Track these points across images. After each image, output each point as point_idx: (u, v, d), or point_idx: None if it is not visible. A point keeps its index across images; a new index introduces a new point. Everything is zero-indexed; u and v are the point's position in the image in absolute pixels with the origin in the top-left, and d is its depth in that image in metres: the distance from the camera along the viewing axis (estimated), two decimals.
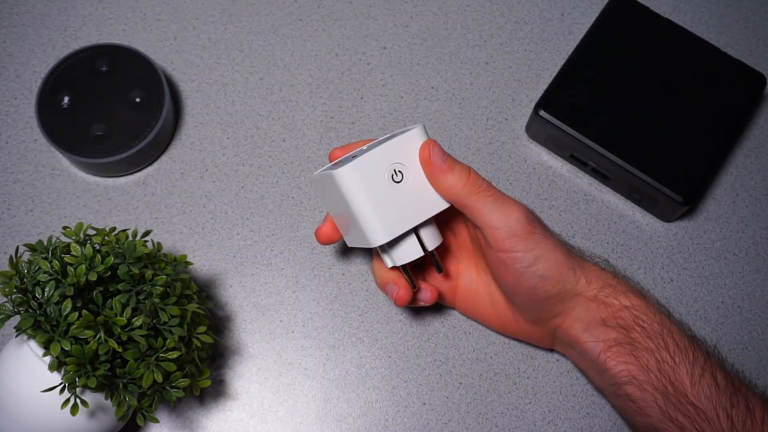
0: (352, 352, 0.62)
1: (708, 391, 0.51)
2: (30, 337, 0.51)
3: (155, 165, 0.66)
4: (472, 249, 0.59)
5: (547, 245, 0.53)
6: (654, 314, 0.53)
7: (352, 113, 0.68)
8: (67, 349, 0.48)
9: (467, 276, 0.59)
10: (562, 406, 0.61)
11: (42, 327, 0.49)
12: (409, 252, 0.53)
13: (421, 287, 0.56)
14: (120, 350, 0.49)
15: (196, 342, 0.53)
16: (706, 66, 0.65)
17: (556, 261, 0.53)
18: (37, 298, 0.50)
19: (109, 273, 0.51)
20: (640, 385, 0.52)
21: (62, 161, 0.66)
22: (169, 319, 0.51)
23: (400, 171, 0.52)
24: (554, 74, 0.67)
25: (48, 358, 0.50)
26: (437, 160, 0.52)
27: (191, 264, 0.56)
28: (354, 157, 0.52)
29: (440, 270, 0.56)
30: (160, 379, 0.50)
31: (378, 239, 0.52)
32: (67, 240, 0.57)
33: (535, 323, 0.57)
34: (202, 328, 0.54)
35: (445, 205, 0.53)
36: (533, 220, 0.53)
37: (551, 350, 0.61)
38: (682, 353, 0.52)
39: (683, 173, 0.62)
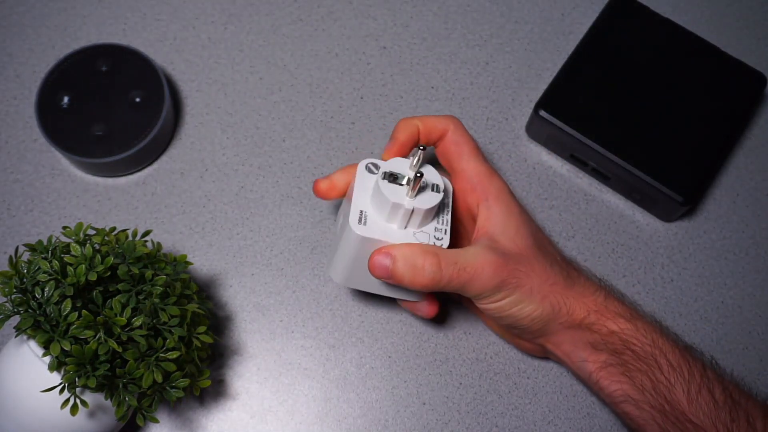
0: (352, 352, 0.62)
1: (706, 407, 0.50)
2: (30, 337, 0.51)
3: (155, 165, 0.66)
4: None
5: (522, 291, 0.51)
6: (645, 336, 0.52)
7: (352, 113, 0.68)
8: (66, 349, 0.48)
9: None
10: (562, 406, 0.61)
11: (42, 327, 0.49)
12: None
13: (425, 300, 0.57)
14: (120, 350, 0.49)
15: (196, 342, 0.53)
16: (706, 66, 0.65)
17: (532, 302, 0.52)
18: (37, 298, 0.50)
19: (109, 273, 0.51)
20: (636, 404, 0.52)
21: (62, 161, 0.66)
22: (169, 319, 0.51)
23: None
24: (554, 74, 0.67)
25: (48, 358, 0.50)
26: (384, 274, 0.50)
27: (191, 264, 0.56)
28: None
29: None
30: (160, 379, 0.50)
31: None
32: (67, 240, 0.57)
33: (523, 339, 0.57)
34: (202, 328, 0.54)
35: None
36: (506, 266, 0.51)
37: None
38: (676, 372, 0.51)
39: (683, 173, 0.62)
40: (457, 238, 0.58)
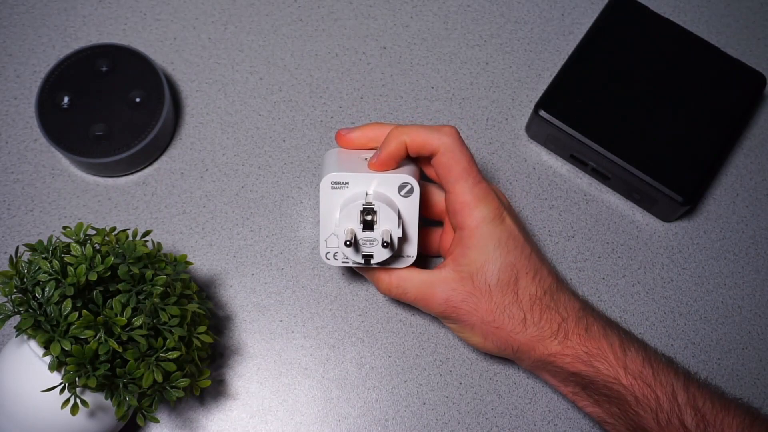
0: (352, 352, 0.62)
1: None
2: (30, 337, 0.51)
3: (155, 165, 0.66)
4: None
5: (463, 324, 0.55)
6: (607, 375, 0.53)
7: (352, 113, 0.68)
8: (67, 349, 0.48)
9: None
10: (562, 406, 0.61)
11: (42, 327, 0.49)
12: None
13: None
14: (120, 350, 0.49)
15: (196, 342, 0.53)
16: (706, 66, 0.65)
17: (475, 336, 0.55)
18: (37, 298, 0.50)
19: (109, 273, 0.51)
20: (613, 425, 0.54)
21: (62, 161, 0.66)
22: (169, 319, 0.51)
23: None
24: (554, 74, 0.67)
25: (48, 358, 0.50)
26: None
27: (191, 264, 0.57)
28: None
29: None
30: (160, 379, 0.50)
31: None
32: (67, 240, 0.57)
33: None
34: (202, 328, 0.54)
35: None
36: (446, 304, 0.54)
37: None
38: (642, 405, 0.52)
39: (683, 173, 0.62)
40: (447, 240, 0.59)
